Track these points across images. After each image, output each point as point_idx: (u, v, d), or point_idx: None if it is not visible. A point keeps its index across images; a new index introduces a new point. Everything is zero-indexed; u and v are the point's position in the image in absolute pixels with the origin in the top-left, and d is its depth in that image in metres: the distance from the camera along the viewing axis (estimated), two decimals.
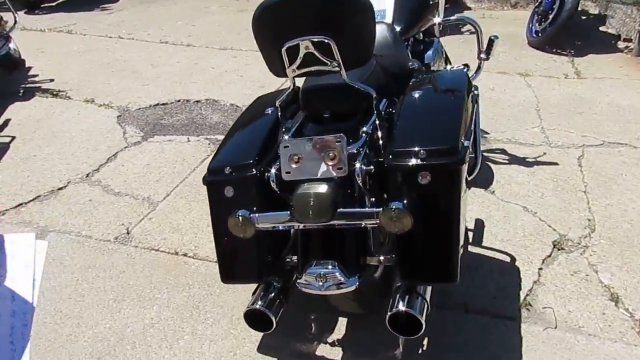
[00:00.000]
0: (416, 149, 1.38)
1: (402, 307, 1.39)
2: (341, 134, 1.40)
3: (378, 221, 1.36)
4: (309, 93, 1.59)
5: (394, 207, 1.33)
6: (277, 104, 1.61)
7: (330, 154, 1.40)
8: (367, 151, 1.51)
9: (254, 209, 1.50)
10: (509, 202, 2.47)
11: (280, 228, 1.47)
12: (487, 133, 3.10)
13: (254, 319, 1.51)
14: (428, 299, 1.46)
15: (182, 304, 1.93)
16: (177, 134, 3.17)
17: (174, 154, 2.94)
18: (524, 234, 2.26)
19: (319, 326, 1.82)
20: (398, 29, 2.20)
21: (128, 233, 2.31)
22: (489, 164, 2.79)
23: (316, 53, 1.42)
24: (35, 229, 2.36)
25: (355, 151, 1.45)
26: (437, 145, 1.39)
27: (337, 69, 1.43)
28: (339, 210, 1.39)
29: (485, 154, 2.90)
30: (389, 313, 1.39)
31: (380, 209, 1.36)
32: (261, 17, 1.44)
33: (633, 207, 2.41)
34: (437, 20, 2.68)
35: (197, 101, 3.62)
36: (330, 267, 1.44)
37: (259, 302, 1.51)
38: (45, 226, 2.38)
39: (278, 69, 1.49)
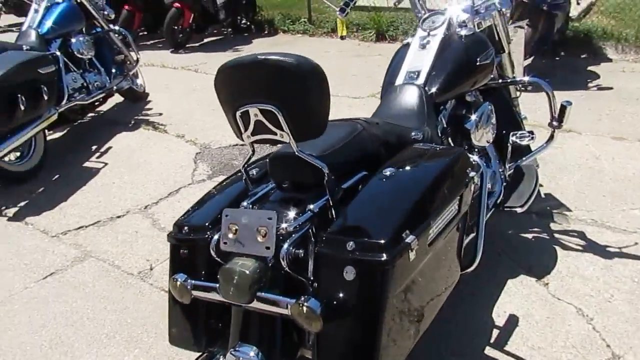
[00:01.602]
0: (347, 238, 1.21)
1: None
2: (273, 211, 1.30)
3: (289, 313, 1.21)
4: (273, 160, 1.51)
5: (304, 303, 1.17)
6: (242, 168, 1.55)
7: (262, 231, 1.30)
8: (314, 231, 1.37)
9: (202, 273, 1.46)
10: (562, 299, 2.04)
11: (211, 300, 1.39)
12: (569, 210, 2.64)
13: None
14: None
15: (161, 352, 1.91)
16: None
17: None
18: (564, 344, 1.83)
19: None
20: (433, 90, 2.00)
21: (151, 269, 2.40)
22: (557, 248, 2.36)
23: (265, 121, 1.35)
24: (82, 252, 2.58)
25: (292, 229, 1.32)
26: (369, 237, 1.20)
27: (286, 139, 1.34)
28: (258, 294, 1.27)
29: (556, 235, 2.46)
30: None
31: (294, 300, 1.21)
32: (218, 80, 1.42)
33: None
34: (501, 80, 2.40)
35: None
36: (251, 354, 1.32)
37: None
38: (90, 251, 2.59)
39: (237, 134, 1.45)
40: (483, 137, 2.13)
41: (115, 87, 4.11)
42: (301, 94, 1.30)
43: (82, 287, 2.32)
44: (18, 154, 3.32)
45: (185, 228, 1.52)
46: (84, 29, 4.00)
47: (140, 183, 3.24)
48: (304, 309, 1.16)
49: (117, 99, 4.56)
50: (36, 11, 3.69)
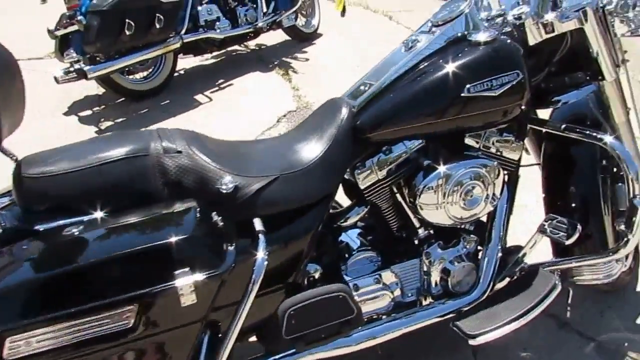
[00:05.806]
0: None
1: None
2: None
3: None
4: None
5: None
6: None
7: None
8: None
9: None
10: None
11: None
12: None
13: None
14: None
15: None
16: None
17: None
18: None
19: None
20: (368, 119, 1.31)
21: None
22: None
23: None
24: None
25: None
26: None
27: None
28: None
29: None
30: None
31: None
32: None
33: None
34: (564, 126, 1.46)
35: None
36: None
37: None
38: None
39: None
40: (441, 209, 1.33)
41: (264, 25, 4.01)
42: None
43: None
44: (145, 73, 3.62)
45: None
46: None
47: (217, 127, 3.18)
48: None
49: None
50: None
